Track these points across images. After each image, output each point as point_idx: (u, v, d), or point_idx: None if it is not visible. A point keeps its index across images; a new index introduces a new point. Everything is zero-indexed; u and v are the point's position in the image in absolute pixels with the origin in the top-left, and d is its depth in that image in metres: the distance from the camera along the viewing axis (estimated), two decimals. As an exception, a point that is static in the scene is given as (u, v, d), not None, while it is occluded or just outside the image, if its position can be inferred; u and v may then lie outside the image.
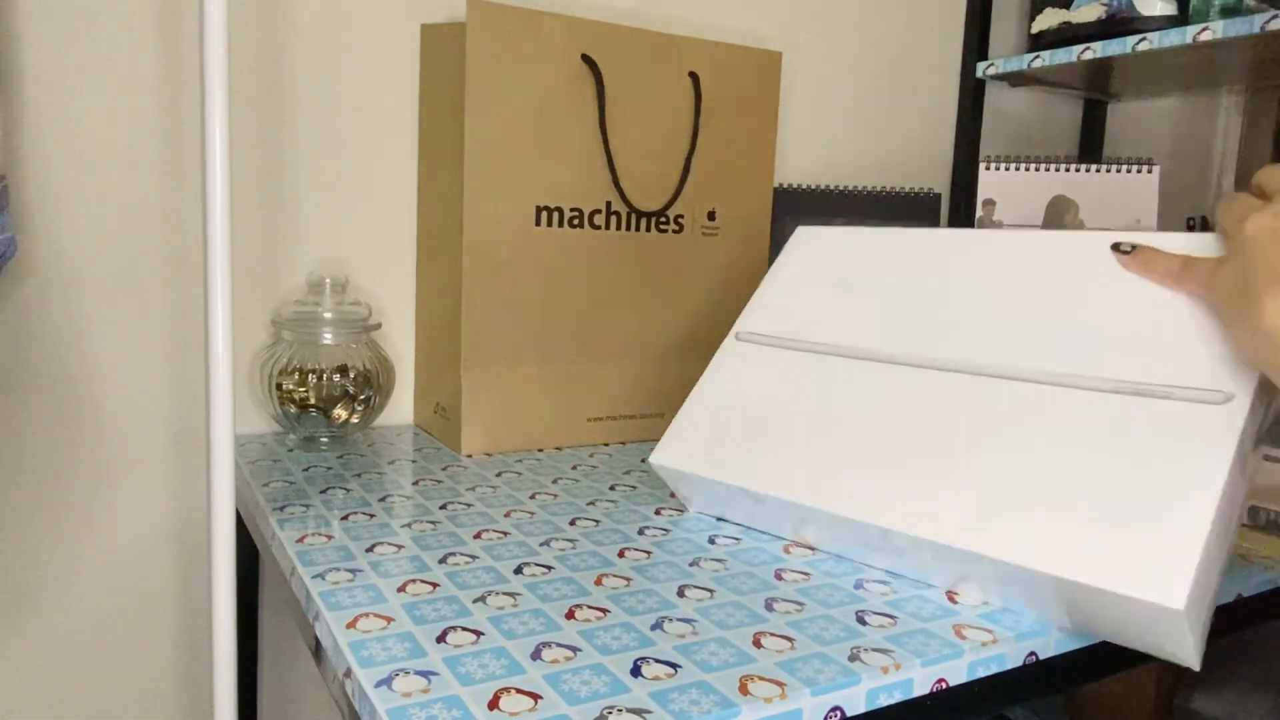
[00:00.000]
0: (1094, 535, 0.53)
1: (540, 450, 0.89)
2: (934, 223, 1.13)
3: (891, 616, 0.53)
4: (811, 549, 0.64)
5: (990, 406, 0.58)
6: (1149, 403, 0.53)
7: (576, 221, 0.88)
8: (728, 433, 0.67)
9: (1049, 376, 0.57)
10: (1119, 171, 1.05)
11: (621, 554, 0.62)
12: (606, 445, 0.92)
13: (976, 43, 1.25)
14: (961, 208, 1.27)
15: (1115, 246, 0.58)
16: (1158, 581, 0.49)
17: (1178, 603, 0.49)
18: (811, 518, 0.61)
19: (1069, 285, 0.59)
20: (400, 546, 0.61)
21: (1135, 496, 0.52)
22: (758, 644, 0.49)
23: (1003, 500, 0.56)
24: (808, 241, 0.76)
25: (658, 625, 0.51)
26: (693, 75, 0.91)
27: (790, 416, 0.65)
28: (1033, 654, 0.53)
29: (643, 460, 0.86)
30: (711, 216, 0.95)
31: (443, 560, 0.59)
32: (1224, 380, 0.51)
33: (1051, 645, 0.53)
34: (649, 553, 0.62)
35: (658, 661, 0.47)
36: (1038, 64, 1.14)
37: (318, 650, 0.52)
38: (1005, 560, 0.55)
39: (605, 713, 0.42)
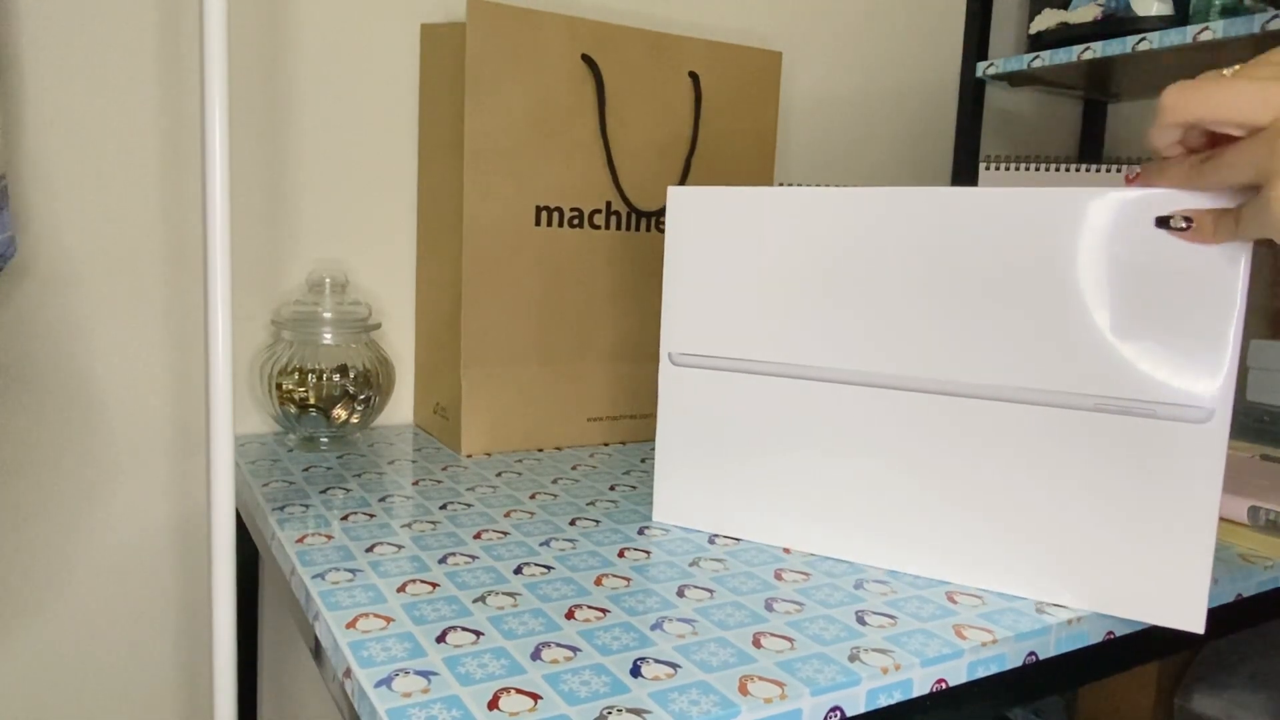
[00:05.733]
0: (1102, 567, 0.54)
1: (540, 450, 0.89)
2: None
3: (891, 616, 0.53)
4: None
5: (967, 428, 0.57)
6: (1131, 421, 0.52)
7: (576, 221, 0.88)
8: (704, 478, 0.66)
9: (1024, 394, 0.55)
10: (1119, 171, 1.05)
11: (621, 554, 0.62)
12: (606, 445, 0.92)
13: (976, 43, 1.24)
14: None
15: (1164, 222, 0.51)
16: (1176, 609, 0.52)
17: (1198, 626, 0.51)
18: (798, 559, 0.62)
19: (1029, 265, 0.54)
20: (400, 546, 0.61)
21: (1133, 525, 0.53)
22: (757, 644, 0.49)
23: (999, 530, 0.57)
24: (692, 207, 0.65)
25: (657, 625, 0.51)
26: (693, 75, 0.91)
27: (759, 453, 0.64)
28: (1033, 654, 0.53)
29: (643, 460, 0.86)
30: (711, 216, 0.95)
31: (443, 560, 0.59)
32: (1204, 395, 0.51)
33: (1051, 645, 0.53)
34: (649, 553, 0.62)
35: (657, 661, 0.47)
36: (1038, 64, 1.14)
37: (318, 650, 0.52)
38: (1007, 593, 0.56)
39: (605, 713, 0.42)
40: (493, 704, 0.42)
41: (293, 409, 0.83)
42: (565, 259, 0.87)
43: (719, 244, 0.64)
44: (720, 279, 0.64)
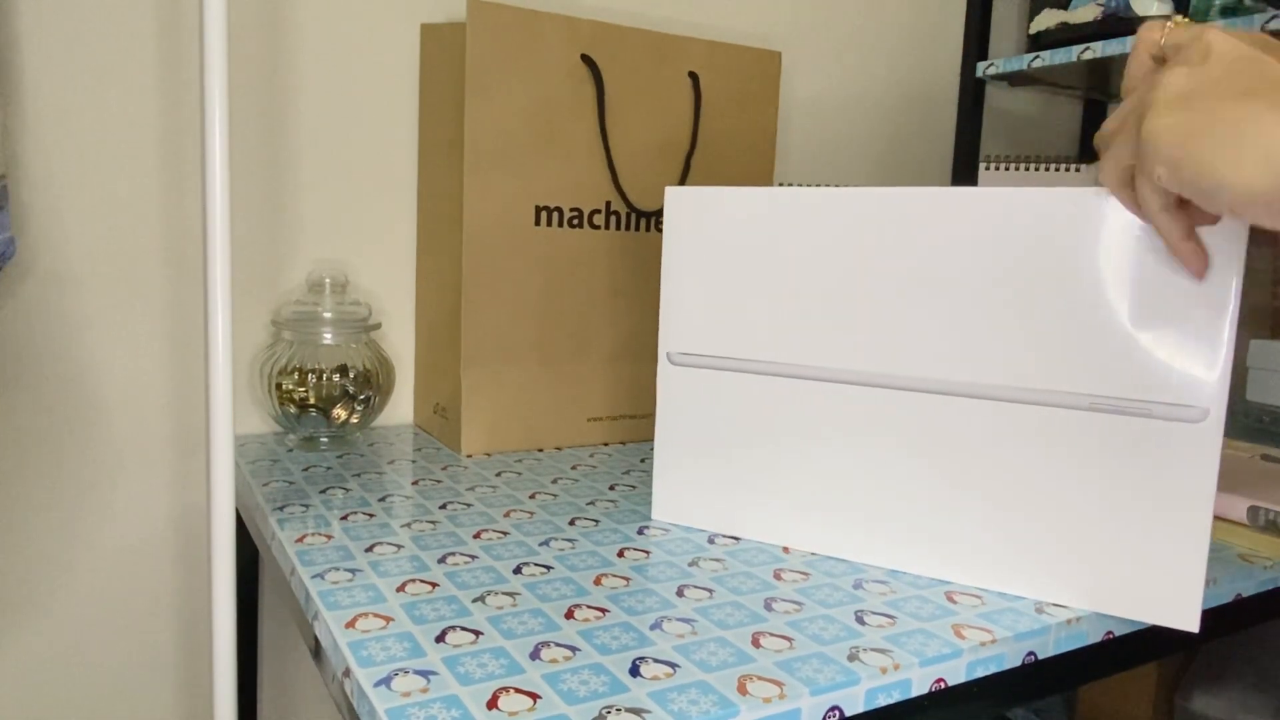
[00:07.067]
0: (1098, 566, 0.54)
1: (540, 450, 0.89)
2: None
3: (890, 616, 0.53)
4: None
5: (964, 427, 0.57)
6: (1127, 421, 0.53)
7: (576, 221, 0.88)
8: (703, 478, 0.67)
9: (1021, 393, 0.55)
10: (1119, 171, 1.04)
11: (621, 554, 0.62)
12: (606, 445, 0.92)
13: (976, 43, 1.24)
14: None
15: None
16: (1172, 608, 0.52)
17: (1193, 625, 0.51)
18: (798, 559, 0.62)
19: (1027, 265, 0.54)
20: (400, 546, 0.61)
21: (1128, 524, 0.53)
22: (756, 644, 0.49)
23: (996, 529, 0.57)
24: (689, 208, 0.65)
25: (657, 625, 0.51)
26: (693, 75, 0.91)
27: (758, 452, 0.64)
28: (1032, 654, 0.53)
29: (642, 460, 0.86)
30: (711, 216, 0.95)
31: (442, 560, 0.59)
32: (1199, 394, 0.51)
33: (1051, 645, 0.53)
34: (648, 552, 0.62)
35: (656, 661, 0.47)
36: (1038, 64, 1.14)
37: (317, 650, 0.52)
38: (1006, 593, 0.56)
39: (604, 712, 0.42)
40: (492, 703, 0.42)
41: (293, 409, 0.83)
42: (565, 259, 0.87)
43: (717, 244, 0.64)
44: (719, 279, 0.64)
